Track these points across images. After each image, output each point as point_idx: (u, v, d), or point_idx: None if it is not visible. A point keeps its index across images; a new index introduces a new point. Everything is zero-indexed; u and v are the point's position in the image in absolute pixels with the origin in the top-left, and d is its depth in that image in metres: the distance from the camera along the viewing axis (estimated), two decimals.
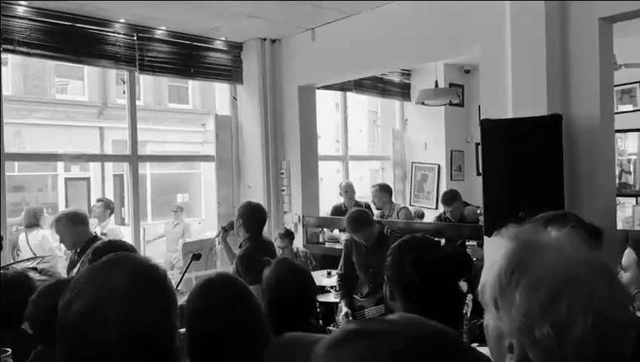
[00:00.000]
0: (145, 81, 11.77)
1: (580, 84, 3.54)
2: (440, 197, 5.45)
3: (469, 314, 3.01)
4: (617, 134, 4.82)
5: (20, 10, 4.42)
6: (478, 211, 5.15)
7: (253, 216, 3.64)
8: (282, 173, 5.89)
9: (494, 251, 0.83)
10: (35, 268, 4.40)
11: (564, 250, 0.77)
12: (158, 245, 8.91)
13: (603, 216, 3.34)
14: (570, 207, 3.39)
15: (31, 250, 4.72)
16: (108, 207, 5.51)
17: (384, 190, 5.74)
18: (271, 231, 5.83)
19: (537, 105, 3.53)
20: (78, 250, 3.56)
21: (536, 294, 0.72)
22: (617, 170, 5.64)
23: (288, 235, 4.89)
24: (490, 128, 3.53)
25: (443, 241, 4.41)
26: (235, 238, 3.85)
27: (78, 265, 3.47)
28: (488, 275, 0.79)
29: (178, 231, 7.83)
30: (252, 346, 1.40)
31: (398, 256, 1.50)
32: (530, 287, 0.72)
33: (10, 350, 1.24)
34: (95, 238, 3.58)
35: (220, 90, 6.55)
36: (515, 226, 0.83)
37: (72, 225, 3.58)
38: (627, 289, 0.76)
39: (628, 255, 1.92)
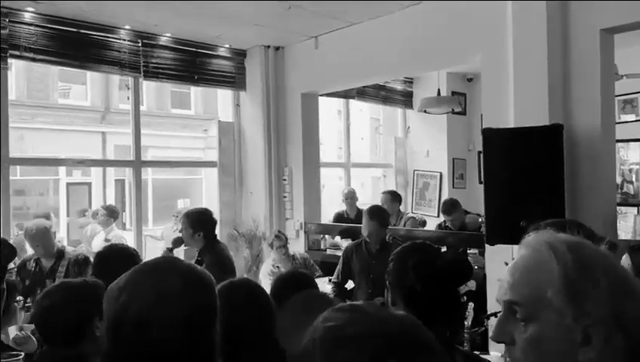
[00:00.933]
0: (148, 86, 11.81)
1: (582, 95, 3.57)
2: (440, 207, 5.46)
3: (469, 323, 3.02)
4: (619, 144, 4.84)
5: (27, 16, 4.46)
6: (480, 219, 5.17)
7: (209, 223, 3.53)
8: (284, 180, 5.91)
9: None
10: None
11: (590, 245, 0.86)
12: (156, 249, 8.88)
13: (604, 225, 3.36)
14: (570, 216, 3.41)
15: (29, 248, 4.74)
16: (112, 214, 5.55)
17: (395, 199, 5.74)
18: (272, 236, 5.84)
19: (539, 114, 3.56)
20: (46, 261, 3.67)
21: (616, 278, 0.80)
22: (619, 180, 5.66)
23: (282, 236, 4.86)
24: (492, 137, 3.55)
25: (444, 249, 4.42)
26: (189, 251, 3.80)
27: (65, 272, 3.55)
28: (528, 284, 0.82)
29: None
30: (263, 350, 1.42)
31: (400, 262, 1.52)
32: (608, 275, 0.80)
33: (22, 354, 1.25)
34: (62, 252, 3.72)
35: (223, 96, 6.58)
36: (541, 233, 0.88)
37: (50, 235, 3.72)
38: None
39: (624, 261, 1.97)
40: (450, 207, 5.26)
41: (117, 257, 2.46)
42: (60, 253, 3.70)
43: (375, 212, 4.03)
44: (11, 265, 4.12)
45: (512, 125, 3.69)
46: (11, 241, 4.39)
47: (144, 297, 0.97)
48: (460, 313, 1.47)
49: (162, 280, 1.00)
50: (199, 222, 3.47)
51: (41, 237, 3.66)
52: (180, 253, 3.85)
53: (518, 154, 3.44)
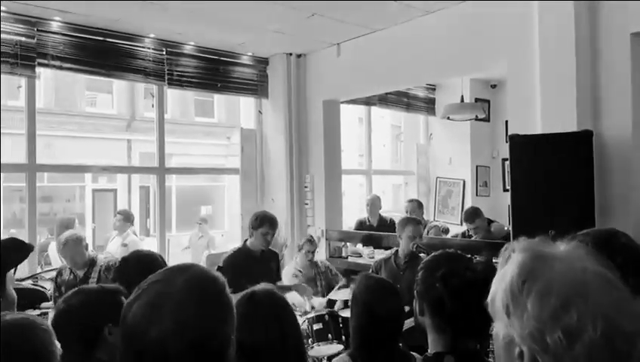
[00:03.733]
0: (172, 94, 11.98)
1: (611, 100, 3.48)
2: (464, 216, 5.37)
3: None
4: None
5: (55, 25, 4.56)
6: (506, 228, 5.07)
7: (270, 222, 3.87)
8: (306, 187, 5.90)
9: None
10: None
11: (572, 261, 0.80)
12: (182, 256, 8.99)
13: (635, 234, 3.25)
14: (600, 225, 3.31)
15: (61, 259, 4.80)
16: (128, 219, 5.60)
17: (420, 208, 5.72)
18: (294, 245, 5.84)
19: (567, 120, 3.48)
20: (80, 272, 3.70)
21: (547, 301, 0.75)
22: None
23: (314, 241, 4.86)
24: (519, 143, 3.48)
25: (477, 258, 4.34)
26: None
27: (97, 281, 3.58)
28: (499, 285, 0.83)
29: (203, 244, 7.90)
30: (285, 359, 1.39)
31: (428, 271, 1.49)
32: (542, 295, 0.76)
33: None
34: (94, 260, 3.75)
35: (245, 103, 6.62)
36: (525, 239, 0.87)
37: (81, 247, 3.73)
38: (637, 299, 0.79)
39: None
40: (471, 215, 5.17)
41: (139, 264, 2.47)
42: (92, 261, 3.74)
43: (416, 220, 4.06)
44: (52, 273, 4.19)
45: (538, 132, 3.62)
46: (37, 245, 4.47)
47: (146, 296, 0.98)
48: (489, 326, 1.42)
49: (168, 282, 1.01)
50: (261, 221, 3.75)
51: (71, 248, 3.70)
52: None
53: (546, 161, 3.36)
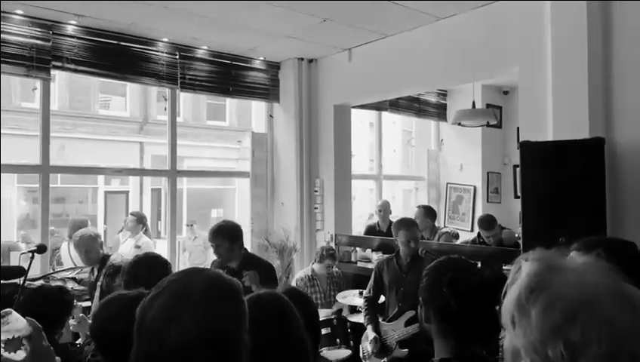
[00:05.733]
0: (184, 97, 12.07)
1: (624, 107, 3.45)
2: (478, 223, 5.33)
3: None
4: None
5: (70, 28, 4.62)
6: (516, 235, 5.04)
7: (240, 233, 3.51)
8: (316, 191, 5.91)
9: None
10: (74, 278, 4.54)
11: (584, 274, 0.77)
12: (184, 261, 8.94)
13: None
14: (612, 233, 3.28)
15: (72, 260, 4.86)
16: (140, 221, 5.63)
17: (428, 214, 5.62)
18: (303, 249, 5.84)
19: (579, 127, 3.46)
20: (96, 270, 3.70)
21: (551, 313, 0.73)
22: None
23: (336, 256, 4.89)
24: (530, 150, 3.46)
25: (479, 264, 4.32)
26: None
27: (102, 280, 3.57)
28: (509, 295, 0.82)
29: (199, 244, 7.87)
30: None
31: (434, 277, 1.48)
32: (547, 306, 0.73)
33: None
34: (105, 257, 3.72)
35: (256, 107, 6.66)
36: (540, 250, 0.85)
37: (97, 243, 3.72)
38: None
39: None
40: (489, 223, 5.15)
41: (149, 266, 2.49)
42: (103, 259, 3.71)
43: (413, 223, 3.99)
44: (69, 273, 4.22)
45: (550, 138, 3.60)
46: (49, 243, 4.51)
47: (164, 297, 0.99)
48: (497, 332, 1.41)
49: (185, 283, 1.02)
50: (232, 235, 3.42)
51: (86, 242, 3.71)
52: None
53: (558, 168, 3.34)
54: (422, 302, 1.49)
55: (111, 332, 1.73)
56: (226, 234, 3.39)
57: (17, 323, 1.25)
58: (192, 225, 8.19)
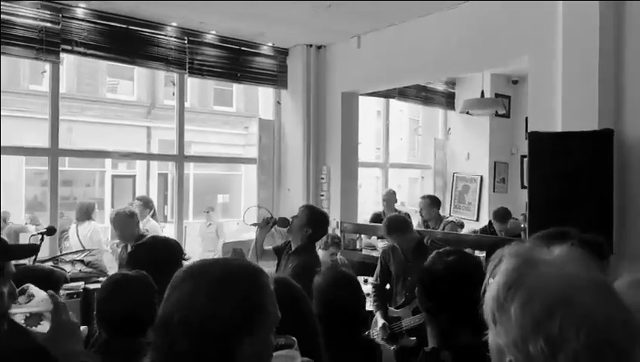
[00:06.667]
0: (191, 82, 12.08)
1: (635, 99, 3.42)
2: (492, 215, 5.32)
3: None
4: None
5: (79, 12, 4.62)
6: (522, 225, 5.05)
7: (322, 228, 3.44)
8: (322, 178, 5.92)
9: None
10: (82, 261, 4.59)
11: (562, 266, 0.77)
12: (192, 246, 9.03)
13: None
14: (618, 225, 3.28)
15: (80, 242, 4.90)
16: (147, 205, 5.65)
17: (434, 204, 5.64)
18: None
19: (588, 119, 3.44)
20: (130, 247, 3.71)
21: (530, 309, 0.72)
22: None
23: (340, 244, 4.91)
24: (539, 141, 3.46)
25: (484, 254, 4.33)
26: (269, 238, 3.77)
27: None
28: (488, 293, 0.80)
29: (212, 231, 7.93)
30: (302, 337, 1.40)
31: (429, 269, 1.52)
32: (525, 302, 0.72)
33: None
34: (142, 236, 3.74)
35: (264, 94, 6.66)
36: (517, 245, 0.84)
37: (132, 221, 3.81)
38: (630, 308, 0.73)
39: None
40: (504, 216, 5.18)
41: (154, 250, 2.51)
42: (140, 238, 3.65)
43: (391, 226, 3.91)
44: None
45: (559, 129, 3.58)
46: (58, 225, 4.56)
47: (181, 289, 0.99)
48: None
49: (201, 275, 1.01)
50: (311, 221, 3.36)
51: (121, 220, 3.77)
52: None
53: (566, 159, 3.33)
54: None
55: (113, 311, 1.77)
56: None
57: (38, 296, 1.27)
58: (208, 212, 8.25)
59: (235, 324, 0.96)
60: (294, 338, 1.21)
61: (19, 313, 1.25)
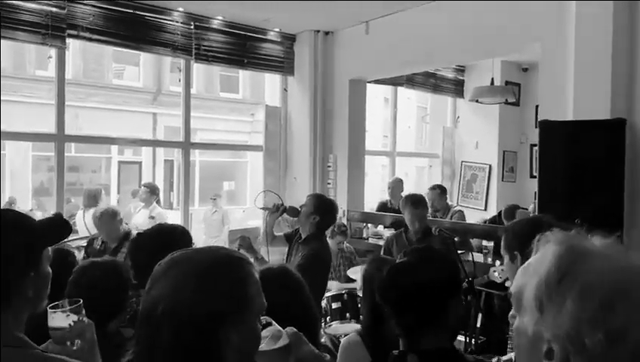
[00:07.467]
0: (197, 68, 12.03)
1: None
2: (503, 212, 5.28)
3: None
4: None
5: None
6: (531, 215, 5.00)
7: (329, 215, 3.39)
8: (329, 166, 5.89)
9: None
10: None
11: (614, 258, 0.77)
12: (195, 233, 9.05)
13: None
14: (629, 215, 3.24)
15: (86, 228, 4.92)
16: (153, 192, 5.66)
17: (443, 193, 5.64)
18: None
19: (600, 108, 3.38)
20: (113, 245, 3.75)
21: (590, 302, 0.72)
22: None
23: (347, 232, 4.90)
24: (550, 129, 3.41)
25: (492, 243, 4.31)
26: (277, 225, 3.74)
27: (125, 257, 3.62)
28: (527, 278, 0.80)
29: (217, 219, 7.94)
30: (301, 326, 1.38)
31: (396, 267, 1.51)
32: (583, 295, 0.73)
33: (81, 300, 1.28)
34: (128, 234, 3.77)
35: (270, 80, 6.61)
36: (561, 231, 0.83)
37: (116, 221, 3.80)
38: None
39: None
40: (513, 215, 5.13)
41: (158, 237, 2.48)
42: (126, 235, 3.77)
43: (420, 201, 3.98)
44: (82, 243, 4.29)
45: (570, 118, 3.53)
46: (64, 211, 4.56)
47: (166, 279, 0.97)
48: (455, 324, 1.44)
49: (186, 263, 0.99)
50: (320, 209, 3.32)
51: (106, 221, 3.79)
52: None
53: (577, 148, 3.29)
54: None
55: (79, 296, 1.77)
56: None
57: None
58: (215, 199, 8.26)
59: (221, 314, 0.94)
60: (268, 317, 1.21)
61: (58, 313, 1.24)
